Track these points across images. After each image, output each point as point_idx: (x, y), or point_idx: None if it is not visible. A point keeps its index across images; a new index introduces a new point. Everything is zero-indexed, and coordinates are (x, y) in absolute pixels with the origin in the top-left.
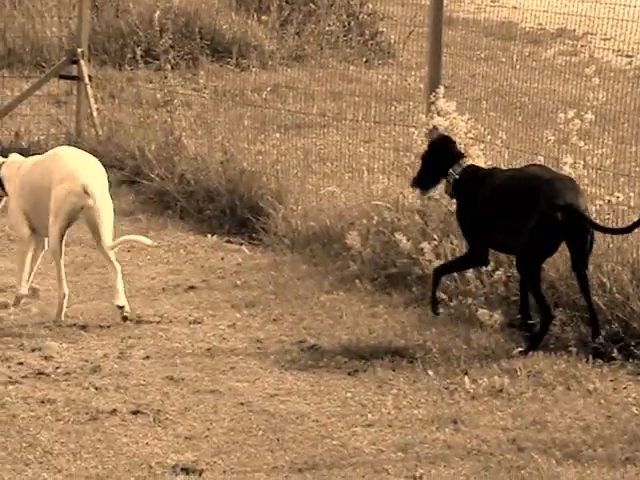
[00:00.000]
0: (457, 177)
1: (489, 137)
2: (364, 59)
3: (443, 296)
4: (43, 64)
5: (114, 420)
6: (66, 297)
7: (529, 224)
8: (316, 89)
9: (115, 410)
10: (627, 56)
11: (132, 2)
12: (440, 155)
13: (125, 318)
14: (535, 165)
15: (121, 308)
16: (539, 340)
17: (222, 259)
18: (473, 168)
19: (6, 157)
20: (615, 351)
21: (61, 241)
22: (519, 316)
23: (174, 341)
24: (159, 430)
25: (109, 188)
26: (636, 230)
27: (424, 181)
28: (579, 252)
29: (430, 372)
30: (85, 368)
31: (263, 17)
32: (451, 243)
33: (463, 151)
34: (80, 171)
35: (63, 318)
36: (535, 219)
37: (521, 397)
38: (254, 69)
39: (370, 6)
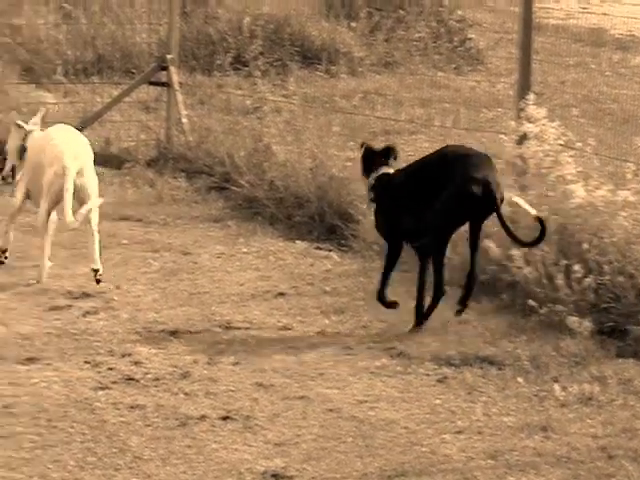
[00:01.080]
0: (373, 182)
1: (579, 144)
2: (453, 66)
3: (533, 303)
4: (133, 71)
5: (203, 426)
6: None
7: (444, 196)
8: (405, 96)
9: (204, 416)
10: None
11: (221, 8)
12: (365, 165)
13: (98, 281)
14: (450, 145)
15: (95, 272)
16: (427, 316)
17: (311, 265)
18: (386, 174)
19: None
20: None
21: (48, 217)
22: (604, 322)
23: (263, 347)
24: (248, 436)
25: (199, 194)
26: None
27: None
28: (479, 223)
29: (520, 379)
30: (175, 374)
31: (352, 24)
32: (542, 250)
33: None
34: (66, 153)
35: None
36: (450, 190)
37: (611, 405)
38: (343, 76)
39: (459, 13)
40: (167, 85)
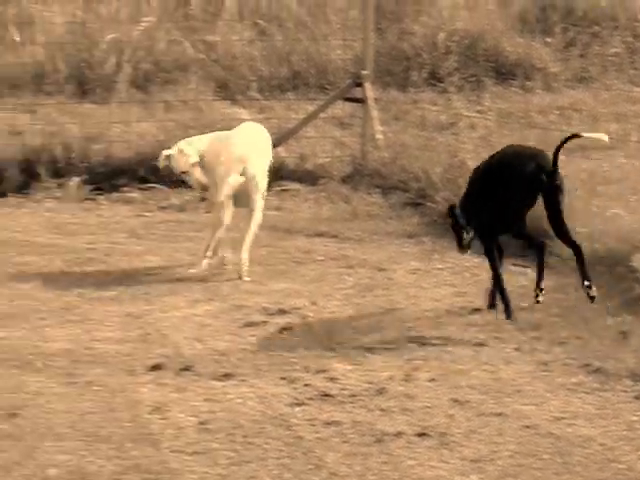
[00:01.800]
0: None
1: None
2: None
3: None
4: (327, 87)
5: (399, 442)
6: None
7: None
8: (600, 111)
9: (400, 432)
10: None
11: (416, 24)
12: None
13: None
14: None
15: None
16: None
17: (507, 281)
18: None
19: None
20: None
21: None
22: None
23: (459, 363)
24: (444, 453)
25: (394, 210)
26: None
27: None
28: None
29: None
30: (370, 390)
31: (547, 39)
32: None
33: None
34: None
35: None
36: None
37: None
38: (538, 91)
39: None
40: (362, 101)
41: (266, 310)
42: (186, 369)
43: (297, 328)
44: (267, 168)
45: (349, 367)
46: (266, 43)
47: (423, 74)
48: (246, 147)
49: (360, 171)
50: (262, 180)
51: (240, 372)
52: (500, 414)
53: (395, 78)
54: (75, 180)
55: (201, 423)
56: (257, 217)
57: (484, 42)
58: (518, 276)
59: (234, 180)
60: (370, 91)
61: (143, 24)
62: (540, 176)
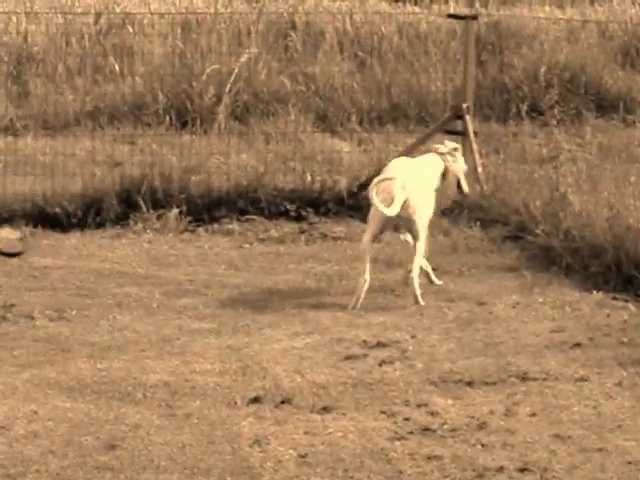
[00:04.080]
0: None
1: None
2: None
3: None
4: (427, 119)
5: (501, 477)
6: (366, 283)
7: None
8: None
9: (502, 467)
10: None
11: (517, 57)
12: None
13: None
14: None
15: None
16: None
17: (608, 316)
18: None
19: None
20: None
21: (372, 241)
22: None
23: (560, 398)
24: None
25: (494, 243)
26: None
27: None
28: None
29: None
30: (471, 424)
31: None
32: None
33: None
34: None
35: (358, 306)
36: None
37: None
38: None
39: None
40: (462, 134)
41: (366, 343)
42: (285, 402)
43: (397, 361)
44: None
45: (449, 401)
46: (366, 75)
47: (524, 107)
48: None
49: (460, 204)
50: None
51: (340, 405)
52: (602, 450)
53: (495, 111)
54: (174, 211)
55: (301, 456)
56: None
57: (585, 75)
58: (619, 310)
59: None
60: (470, 124)
61: (244, 56)
62: None
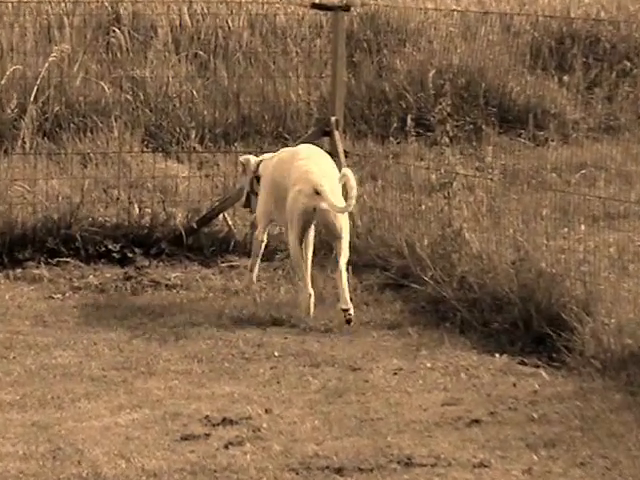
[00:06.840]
0: None
1: None
2: None
3: None
4: (286, 136)
5: None
6: (311, 297)
7: None
8: (634, 169)
9: None
10: None
11: (399, 58)
12: None
13: (349, 321)
14: None
15: (345, 311)
16: None
17: (514, 385)
18: None
19: None
20: None
21: (300, 244)
22: None
23: None
24: None
25: (370, 294)
26: None
27: None
28: None
29: None
30: None
31: (564, 77)
32: None
33: None
34: (314, 172)
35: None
36: None
37: None
38: (553, 143)
39: None
40: (330, 155)
41: (209, 420)
42: None
43: (247, 443)
44: None
45: None
46: (208, 80)
47: (408, 121)
48: None
49: (327, 243)
50: None
51: None
52: None
53: (372, 125)
54: None
55: None
56: None
57: (485, 81)
58: (528, 378)
59: None
60: (340, 142)
61: (54, 55)
62: None
